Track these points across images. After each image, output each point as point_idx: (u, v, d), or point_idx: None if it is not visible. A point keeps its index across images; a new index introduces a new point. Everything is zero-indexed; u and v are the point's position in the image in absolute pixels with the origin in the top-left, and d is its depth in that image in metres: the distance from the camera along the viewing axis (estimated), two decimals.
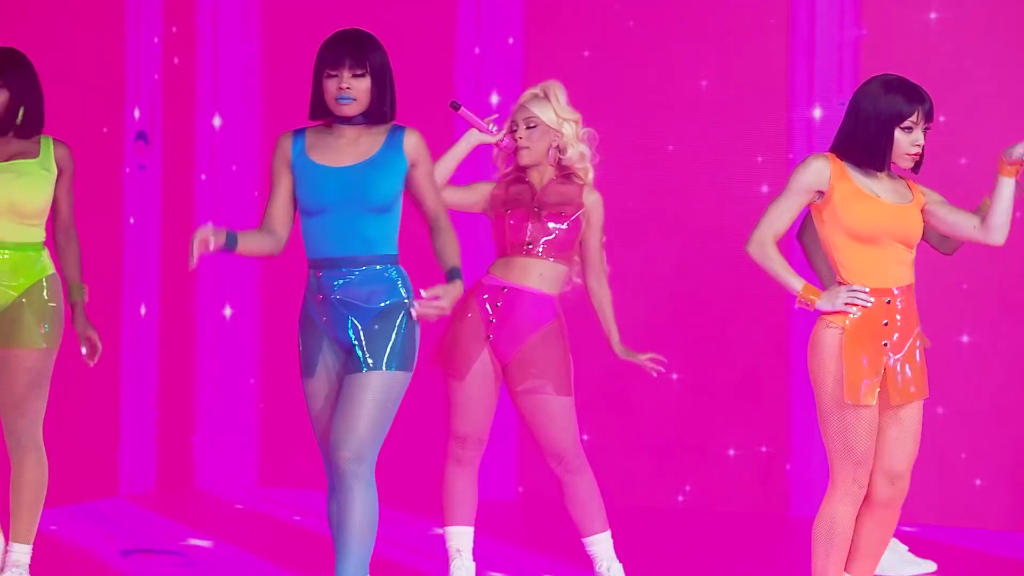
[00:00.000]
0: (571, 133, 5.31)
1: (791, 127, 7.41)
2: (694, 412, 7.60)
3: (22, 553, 5.19)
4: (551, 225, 5.25)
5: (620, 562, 5.32)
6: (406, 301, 4.45)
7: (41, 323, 5.15)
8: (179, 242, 7.86)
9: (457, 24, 7.97)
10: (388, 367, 4.39)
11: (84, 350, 5.29)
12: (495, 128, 5.29)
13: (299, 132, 4.52)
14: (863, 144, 4.49)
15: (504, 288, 5.26)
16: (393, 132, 4.50)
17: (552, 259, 5.27)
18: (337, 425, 4.36)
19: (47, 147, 5.24)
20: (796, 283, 4.53)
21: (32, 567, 5.23)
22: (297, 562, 6.10)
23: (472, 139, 5.30)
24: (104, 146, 7.53)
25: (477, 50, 7.88)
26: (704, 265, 7.57)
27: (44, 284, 5.20)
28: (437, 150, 5.47)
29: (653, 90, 7.63)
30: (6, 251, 5.15)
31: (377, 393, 4.37)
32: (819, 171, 4.50)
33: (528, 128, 5.28)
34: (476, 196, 5.38)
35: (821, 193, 4.51)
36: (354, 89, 4.41)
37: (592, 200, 5.33)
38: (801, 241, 5.80)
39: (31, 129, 5.20)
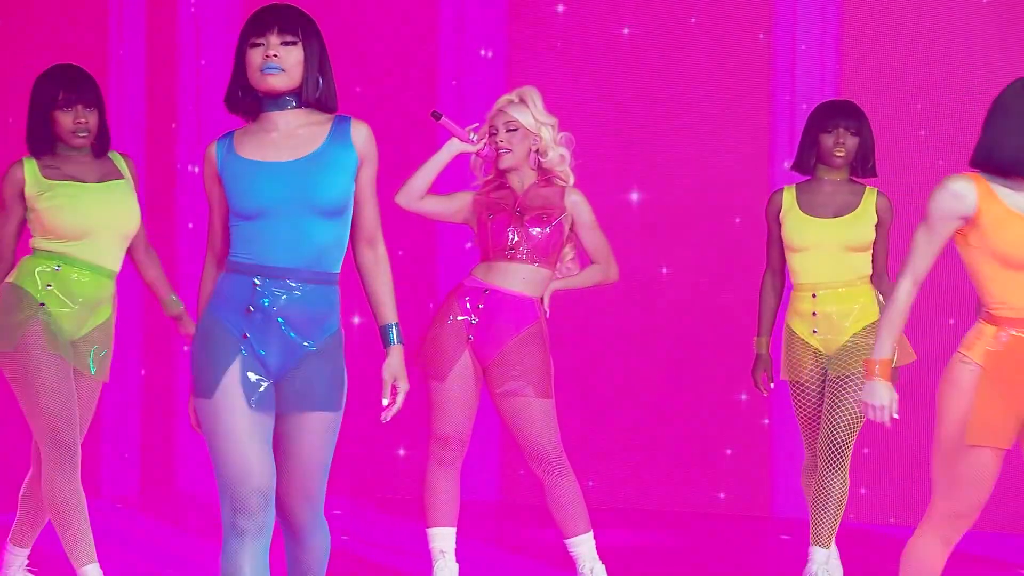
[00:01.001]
0: (549, 137, 5.34)
1: (773, 127, 7.45)
2: (677, 413, 7.62)
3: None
4: (533, 230, 5.28)
5: (603, 563, 5.34)
6: (341, 329, 3.85)
7: (108, 354, 5.06)
8: (160, 242, 7.89)
9: (439, 28, 8.00)
10: (331, 407, 3.80)
11: None
12: (475, 137, 5.31)
13: (225, 135, 3.86)
14: (1013, 153, 3.95)
15: (486, 290, 5.28)
16: (338, 123, 3.83)
17: (536, 263, 5.29)
18: (292, 480, 3.83)
19: (119, 162, 5.10)
20: (882, 350, 4.06)
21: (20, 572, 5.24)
22: (279, 562, 6.10)
23: (453, 148, 5.32)
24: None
25: (484, 52, 7.92)
26: (689, 266, 7.60)
27: (114, 315, 5.09)
28: (419, 158, 5.51)
29: (634, 89, 7.68)
30: (110, 279, 5.02)
31: (330, 442, 3.83)
32: (960, 195, 3.95)
33: (508, 132, 5.30)
34: (458, 205, 5.40)
35: (966, 219, 3.96)
36: (283, 59, 3.72)
37: (573, 201, 5.36)
38: (763, 292, 5.71)
39: (107, 147, 5.08)
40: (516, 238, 5.27)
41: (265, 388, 3.71)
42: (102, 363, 5.04)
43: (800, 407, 5.64)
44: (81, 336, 4.98)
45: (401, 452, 7.62)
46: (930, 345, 6.17)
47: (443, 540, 5.34)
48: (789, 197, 5.59)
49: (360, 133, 3.82)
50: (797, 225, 5.53)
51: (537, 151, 5.34)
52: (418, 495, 5.43)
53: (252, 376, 3.71)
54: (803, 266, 5.54)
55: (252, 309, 3.72)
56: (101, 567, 5.05)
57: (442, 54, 7.96)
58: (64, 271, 4.92)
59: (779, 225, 5.60)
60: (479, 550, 6.36)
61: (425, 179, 5.31)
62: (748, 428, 7.50)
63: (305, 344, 3.74)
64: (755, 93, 7.49)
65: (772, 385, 5.72)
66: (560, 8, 7.79)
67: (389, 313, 3.88)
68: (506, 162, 5.32)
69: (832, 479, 5.43)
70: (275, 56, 3.70)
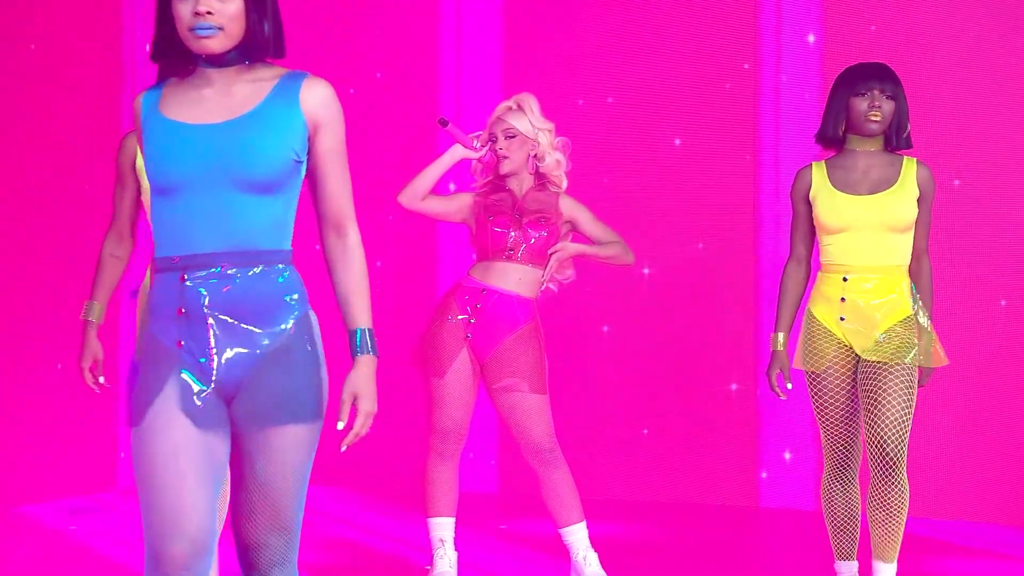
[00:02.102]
0: (547, 142, 5.44)
1: (761, 119, 7.57)
2: (667, 406, 7.66)
3: None
4: (531, 232, 5.38)
5: (595, 551, 5.38)
6: (307, 317, 3.08)
7: None
8: None
9: (439, 30, 8.07)
10: (301, 418, 3.02)
11: None
12: (478, 144, 5.42)
13: (156, 85, 3.15)
14: None
15: (483, 290, 5.38)
16: (287, 79, 3.07)
17: (531, 264, 5.40)
18: (255, 506, 3.03)
19: None
20: None
21: (36, 560, 5.26)
22: None
23: (457, 153, 5.41)
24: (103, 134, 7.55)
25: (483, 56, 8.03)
26: (680, 263, 7.64)
27: None
28: (418, 158, 5.64)
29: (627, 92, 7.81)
30: None
31: (304, 460, 3.04)
32: None
33: (507, 139, 5.41)
34: (457, 206, 5.50)
35: None
36: (217, 13, 2.98)
37: (568, 205, 5.46)
38: (784, 284, 5.02)
39: None
40: (515, 240, 5.37)
41: (207, 408, 3.00)
42: None
43: (820, 403, 4.92)
44: None
45: (398, 445, 7.71)
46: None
47: (443, 529, 5.40)
48: (819, 174, 4.91)
49: (313, 93, 3.06)
50: (831, 204, 4.84)
51: (535, 156, 5.45)
52: (419, 487, 5.47)
53: (189, 396, 2.99)
54: (837, 247, 4.85)
55: (184, 311, 3.01)
56: (118, 555, 4.90)
57: (442, 55, 8.03)
58: None
59: (808, 206, 4.93)
60: (477, 539, 6.42)
61: (428, 181, 5.39)
62: (737, 420, 7.52)
63: (257, 341, 3.02)
64: (742, 85, 7.50)
65: (790, 386, 4.97)
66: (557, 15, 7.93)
67: (360, 315, 3.11)
68: (506, 168, 5.42)
69: (889, 488, 4.76)
70: (208, 13, 2.98)
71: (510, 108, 5.48)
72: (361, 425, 3.04)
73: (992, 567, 6.15)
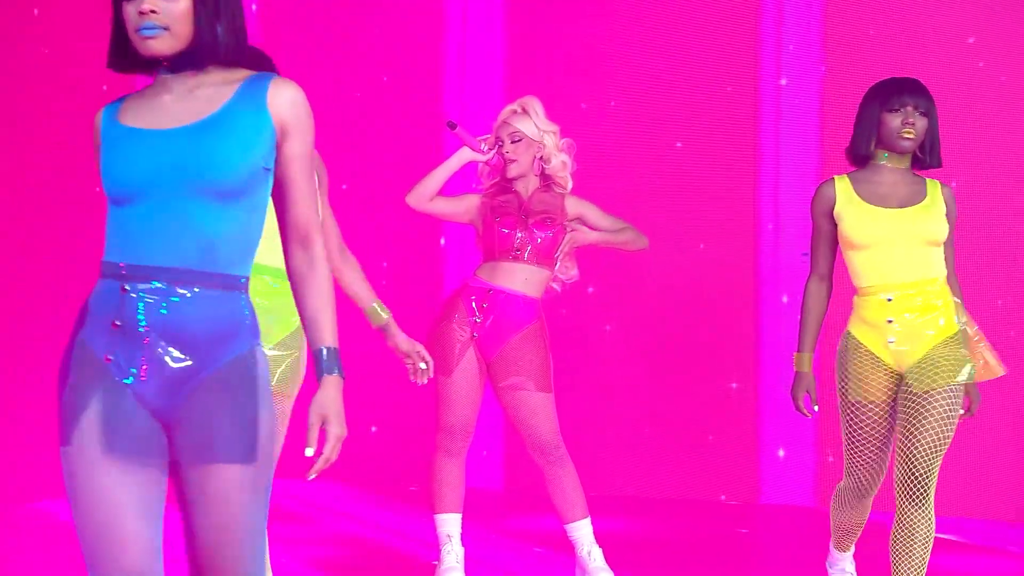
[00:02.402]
0: (552, 144, 5.50)
1: (760, 111, 7.63)
2: (668, 404, 7.69)
3: None
4: (537, 233, 5.44)
5: (600, 547, 5.41)
6: (255, 350, 2.83)
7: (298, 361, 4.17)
8: None
9: (444, 32, 8.11)
10: (241, 458, 2.76)
11: (423, 365, 4.55)
12: (486, 147, 5.48)
13: (117, 99, 2.96)
14: None
15: (490, 290, 5.42)
16: (252, 81, 2.86)
17: (536, 264, 5.45)
18: (206, 548, 2.79)
19: None
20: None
21: (43, 555, 5.26)
22: (282, 545, 6.16)
23: (464, 156, 5.48)
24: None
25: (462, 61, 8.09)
26: (681, 263, 7.67)
27: (301, 333, 4.11)
28: (427, 164, 5.71)
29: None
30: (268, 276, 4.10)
31: (250, 503, 2.79)
32: None
33: (513, 142, 5.46)
34: (465, 207, 5.55)
35: None
36: (163, 12, 2.79)
37: (574, 204, 5.52)
38: (806, 302, 4.81)
39: None
40: (521, 241, 5.43)
41: (136, 431, 2.76)
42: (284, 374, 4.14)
43: (859, 433, 4.70)
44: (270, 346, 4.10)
45: (406, 443, 7.75)
46: None
47: (450, 525, 5.45)
48: (844, 188, 4.69)
49: (282, 96, 2.85)
50: (861, 217, 4.62)
51: (541, 158, 5.50)
52: (426, 483, 5.50)
53: (113, 417, 2.75)
54: (871, 266, 4.62)
55: (121, 324, 2.76)
56: None
57: (447, 59, 8.06)
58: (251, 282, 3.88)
59: (832, 222, 4.69)
60: (484, 535, 6.44)
61: (436, 183, 5.44)
62: (737, 418, 7.56)
63: (196, 369, 2.77)
64: (742, 88, 7.53)
65: (816, 408, 4.81)
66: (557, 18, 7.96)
67: (324, 333, 2.87)
68: (513, 171, 5.47)
69: (916, 516, 4.50)
70: (152, 12, 2.79)
71: (515, 112, 5.53)
72: (331, 450, 2.81)
73: (991, 564, 6.19)
